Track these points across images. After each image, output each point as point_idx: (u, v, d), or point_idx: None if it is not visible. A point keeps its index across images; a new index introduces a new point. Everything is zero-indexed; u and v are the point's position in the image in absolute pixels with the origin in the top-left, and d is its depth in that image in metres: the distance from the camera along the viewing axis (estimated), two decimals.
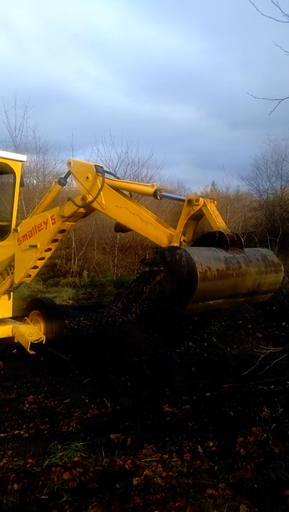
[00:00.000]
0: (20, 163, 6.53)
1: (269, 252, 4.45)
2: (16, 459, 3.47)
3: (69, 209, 5.22)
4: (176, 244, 4.00)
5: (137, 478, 3.05)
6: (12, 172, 6.50)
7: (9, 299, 6.61)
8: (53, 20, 65.32)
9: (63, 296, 12.45)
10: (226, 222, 4.12)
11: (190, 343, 6.52)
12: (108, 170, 5.17)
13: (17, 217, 6.53)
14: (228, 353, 6.29)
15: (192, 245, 3.99)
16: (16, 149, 15.61)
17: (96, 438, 3.83)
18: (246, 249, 4.08)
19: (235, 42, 71.86)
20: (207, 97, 57.60)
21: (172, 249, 3.72)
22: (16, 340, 6.30)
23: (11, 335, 6.33)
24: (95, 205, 4.87)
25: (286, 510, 2.70)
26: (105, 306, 9.54)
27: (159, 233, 4.30)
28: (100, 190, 4.69)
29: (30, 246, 5.73)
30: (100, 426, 4.19)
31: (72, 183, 8.72)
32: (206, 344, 6.51)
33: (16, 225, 6.23)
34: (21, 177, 6.49)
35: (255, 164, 23.46)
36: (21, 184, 6.58)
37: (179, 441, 3.68)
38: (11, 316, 6.76)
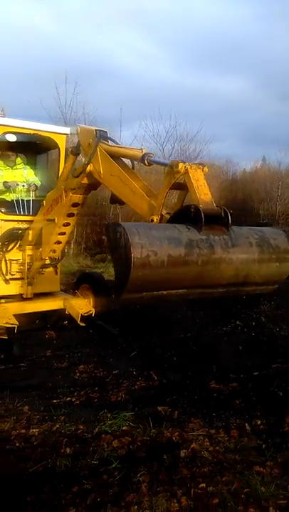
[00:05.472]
0: (65, 136, 6.26)
1: (276, 233, 3.57)
2: (68, 425, 3.62)
3: (72, 180, 4.91)
4: (156, 217, 3.47)
5: (184, 451, 3.12)
6: (56, 146, 6.33)
7: (56, 273, 6.68)
8: None
9: (110, 271, 12.62)
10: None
11: (237, 322, 6.45)
12: (109, 137, 4.56)
13: None
14: (278, 333, 6.14)
15: (168, 221, 3.39)
16: (66, 125, 15.70)
17: (144, 409, 3.92)
18: (239, 230, 3.39)
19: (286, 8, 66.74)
20: (257, 66, 54.48)
21: (114, 225, 3.03)
22: (67, 312, 6.51)
23: (62, 307, 6.56)
24: (93, 173, 4.41)
25: None
26: None
27: (142, 203, 3.72)
28: (92, 154, 4.28)
29: (48, 220, 5.55)
30: (147, 398, 4.27)
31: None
32: (254, 323, 6.41)
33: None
34: (66, 150, 6.14)
35: None
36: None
37: (226, 418, 3.69)
38: (58, 289, 6.95)
